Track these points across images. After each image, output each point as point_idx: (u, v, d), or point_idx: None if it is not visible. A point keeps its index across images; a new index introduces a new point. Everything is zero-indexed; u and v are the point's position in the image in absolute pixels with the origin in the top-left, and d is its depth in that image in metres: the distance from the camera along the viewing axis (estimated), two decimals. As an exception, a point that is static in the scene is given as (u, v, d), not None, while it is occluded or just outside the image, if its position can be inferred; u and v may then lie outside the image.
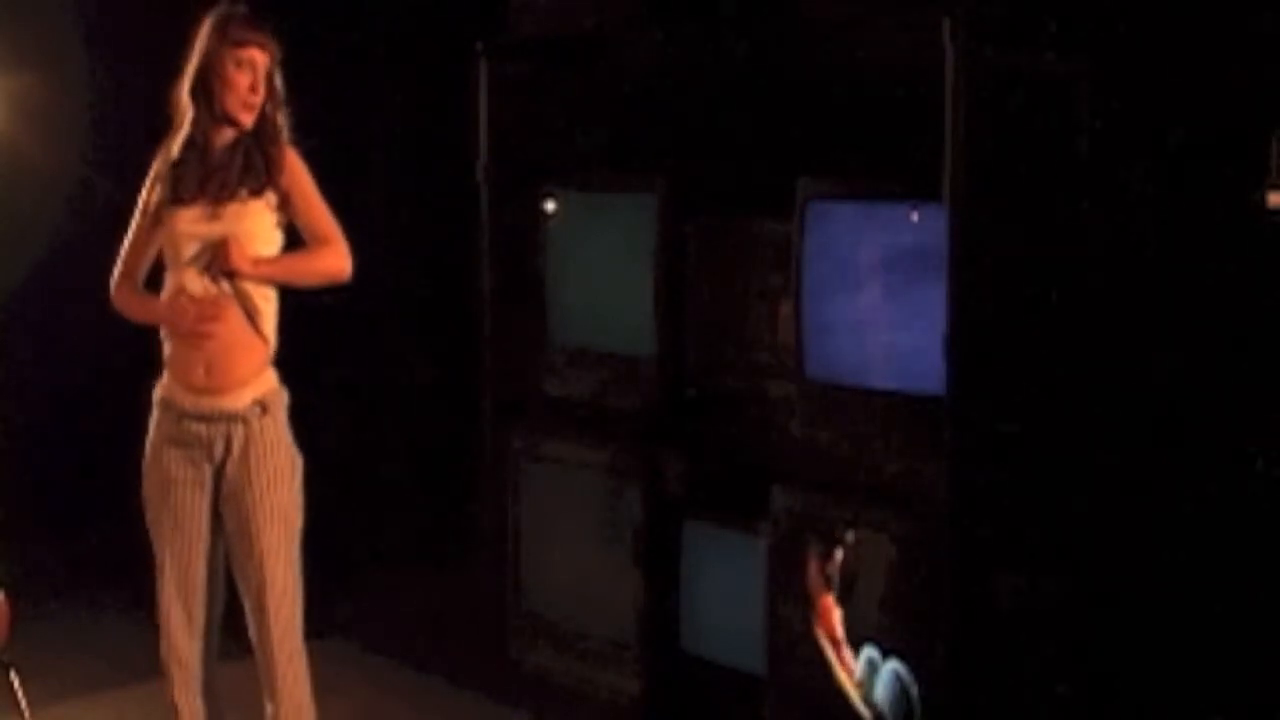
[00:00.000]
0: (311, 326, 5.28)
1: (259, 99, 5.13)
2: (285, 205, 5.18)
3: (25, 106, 7.43)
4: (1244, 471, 4.69)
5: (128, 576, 7.47)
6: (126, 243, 5.27)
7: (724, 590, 5.83)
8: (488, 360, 6.52)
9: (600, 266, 6.20)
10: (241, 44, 5.11)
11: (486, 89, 6.38)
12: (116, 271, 5.30)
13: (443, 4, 7.18)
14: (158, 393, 5.23)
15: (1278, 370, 4.65)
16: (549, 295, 6.36)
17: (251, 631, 5.22)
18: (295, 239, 5.25)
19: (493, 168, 6.43)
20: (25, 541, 6.86)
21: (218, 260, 5.08)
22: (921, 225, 5.10)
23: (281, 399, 5.24)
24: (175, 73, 5.18)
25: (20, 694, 5.79)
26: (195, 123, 5.14)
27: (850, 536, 5.27)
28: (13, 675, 5.79)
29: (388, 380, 7.69)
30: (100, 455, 7.89)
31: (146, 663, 5.78)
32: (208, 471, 5.17)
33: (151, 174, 5.22)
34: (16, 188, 7.47)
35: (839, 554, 5.29)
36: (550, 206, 6.35)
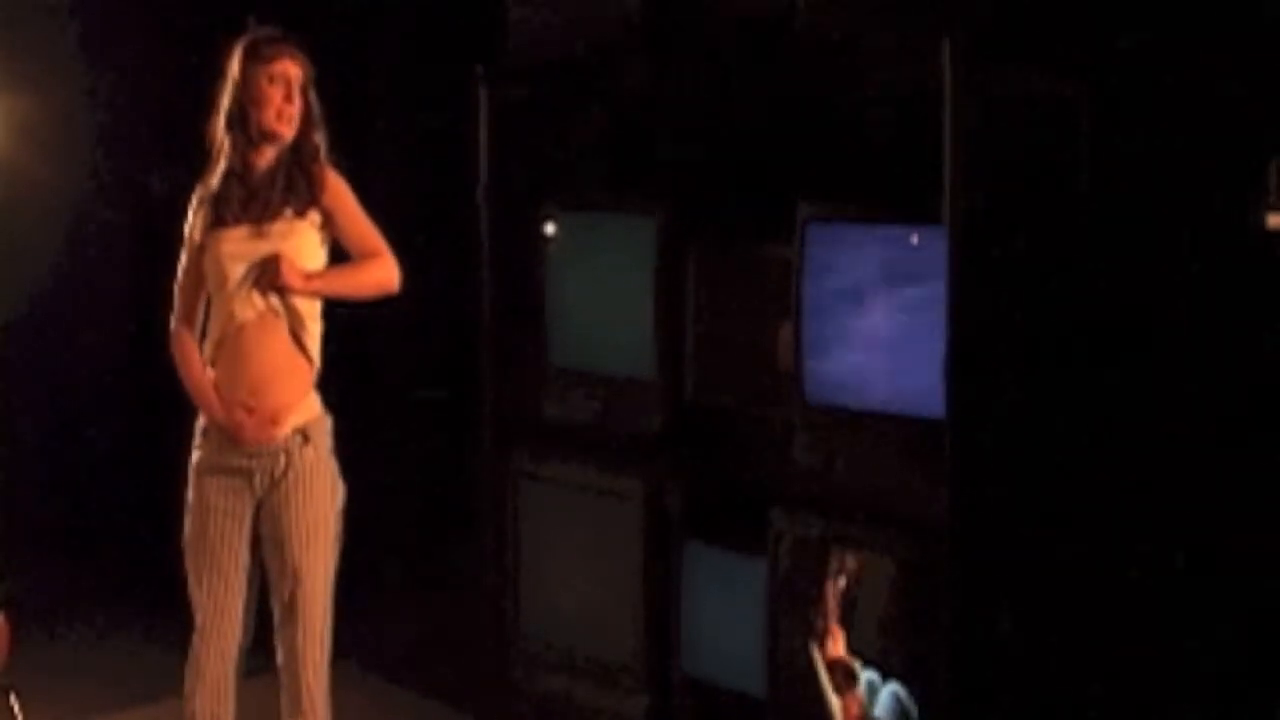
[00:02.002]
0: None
1: (295, 108, 5.15)
2: (329, 223, 5.21)
3: (25, 127, 7.45)
4: (1248, 494, 4.69)
5: (129, 599, 7.49)
6: (178, 282, 5.29)
7: (724, 612, 5.82)
8: (487, 382, 6.52)
9: (600, 289, 6.20)
10: (272, 59, 5.14)
11: (485, 112, 6.39)
12: (175, 315, 5.31)
13: (441, 28, 7.19)
14: (200, 421, 5.25)
15: None
16: (549, 317, 6.36)
17: (279, 645, 5.25)
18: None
19: (492, 191, 6.43)
20: (26, 564, 6.87)
21: (268, 275, 5.10)
22: (921, 247, 5.10)
23: (325, 425, 5.26)
24: (210, 107, 5.21)
25: (20, 717, 5.79)
26: (233, 150, 5.16)
27: (851, 560, 5.27)
28: (13, 699, 5.80)
29: (386, 402, 7.69)
30: (103, 478, 7.92)
31: (148, 686, 5.80)
32: (248, 501, 5.19)
33: (193, 204, 5.24)
34: (17, 208, 7.49)
35: (841, 578, 5.29)
36: (550, 229, 6.35)
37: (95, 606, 7.69)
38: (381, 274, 5.29)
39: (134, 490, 7.64)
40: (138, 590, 7.29)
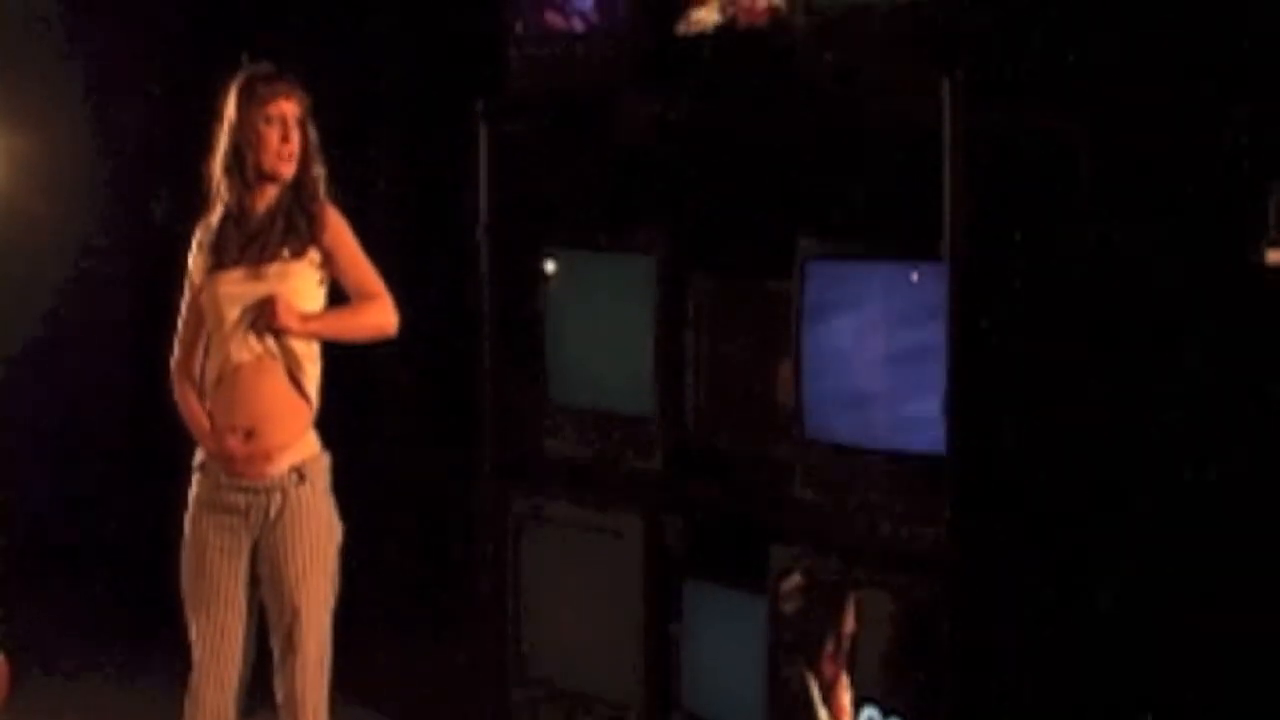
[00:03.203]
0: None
1: (293, 147, 5.15)
2: (328, 263, 5.21)
3: (26, 164, 7.45)
4: (1250, 526, 4.68)
5: (129, 636, 7.48)
6: (180, 320, 5.31)
7: (725, 650, 5.81)
8: (487, 421, 6.51)
9: (600, 326, 6.20)
10: (268, 100, 5.13)
11: (486, 148, 6.39)
12: (175, 353, 5.32)
13: (442, 64, 7.19)
14: (197, 456, 5.26)
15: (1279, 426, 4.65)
16: (549, 355, 6.36)
17: (278, 685, 5.24)
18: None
19: (492, 227, 6.43)
20: (26, 603, 6.86)
21: (264, 317, 5.10)
22: (921, 284, 5.10)
23: (322, 464, 5.25)
24: (207, 147, 5.20)
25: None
26: (230, 193, 5.15)
27: (852, 596, 5.26)
28: (12, 736, 5.79)
29: (386, 442, 7.68)
30: (103, 517, 7.91)
31: (147, 723, 5.76)
32: (244, 539, 5.19)
33: (194, 245, 5.25)
34: (18, 244, 7.49)
35: (842, 614, 5.28)
36: (550, 266, 6.35)
37: (94, 643, 7.67)
38: (379, 317, 5.28)
39: (134, 526, 7.62)
40: (137, 627, 7.27)
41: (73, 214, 7.82)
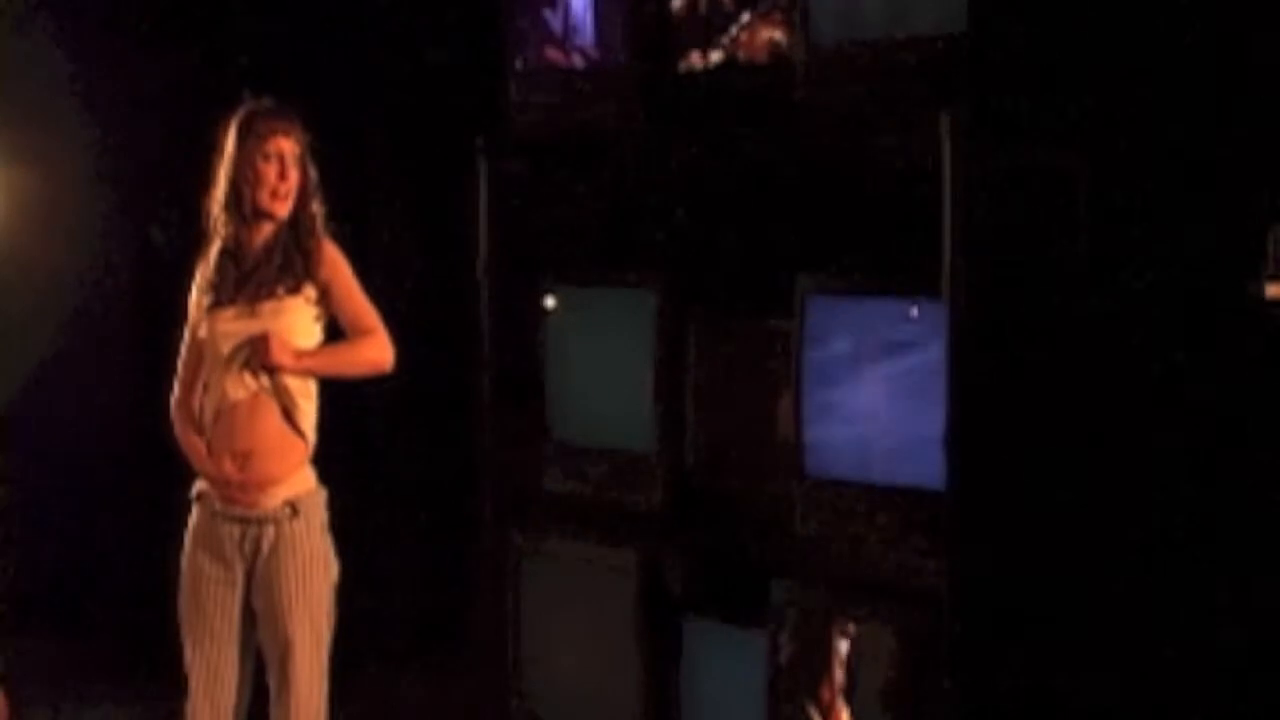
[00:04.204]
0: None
1: (290, 185, 5.14)
2: (325, 298, 5.20)
3: (26, 201, 7.46)
4: (1250, 562, 4.67)
5: (130, 673, 7.45)
6: (180, 358, 5.30)
7: (725, 686, 5.80)
8: (487, 457, 6.51)
9: (600, 363, 6.20)
10: (266, 136, 5.13)
11: (486, 186, 6.39)
12: (175, 390, 5.32)
13: (442, 102, 7.20)
14: (195, 488, 5.25)
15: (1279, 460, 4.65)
16: (549, 392, 6.36)
17: None
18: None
19: (492, 265, 6.43)
20: (27, 638, 6.84)
21: (258, 354, 5.09)
22: (921, 321, 5.10)
23: (317, 499, 5.24)
24: (206, 181, 5.21)
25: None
26: (228, 228, 5.15)
27: (851, 631, 5.25)
28: (11, 773, 5.77)
29: (386, 479, 7.67)
30: (104, 552, 7.90)
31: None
32: (240, 570, 5.17)
33: (195, 284, 5.25)
34: (19, 280, 7.49)
35: (842, 650, 5.27)
36: (550, 303, 6.35)
37: (95, 681, 7.65)
38: (375, 353, 5.27)
39: (136, 566, 7.61)
40: (138, 665, 7.26)
41: (74, 248, 7.82)
